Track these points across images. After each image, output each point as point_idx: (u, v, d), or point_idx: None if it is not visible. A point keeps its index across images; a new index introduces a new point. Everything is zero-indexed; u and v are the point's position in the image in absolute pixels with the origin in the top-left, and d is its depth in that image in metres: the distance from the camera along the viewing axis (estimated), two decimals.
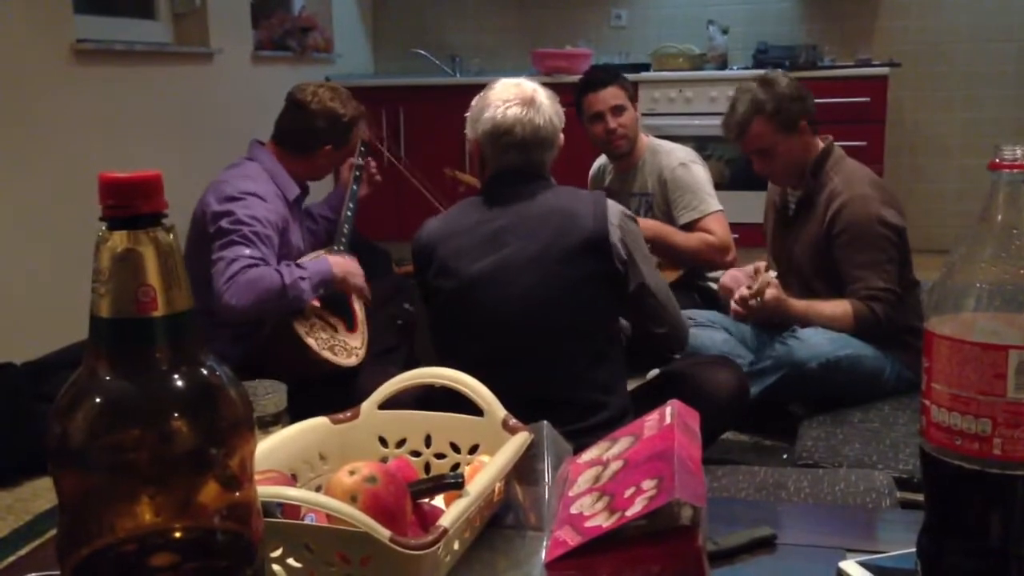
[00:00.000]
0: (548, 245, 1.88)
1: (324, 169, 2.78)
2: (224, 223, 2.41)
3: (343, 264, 2.63)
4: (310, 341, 2.49)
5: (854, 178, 2.49)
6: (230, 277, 2.32)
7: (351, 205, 2.88)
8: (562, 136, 2.03)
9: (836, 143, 2.62)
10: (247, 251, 2.37)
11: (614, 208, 1.93)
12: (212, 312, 2.37)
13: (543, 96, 1.98)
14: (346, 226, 2.83)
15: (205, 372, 0.56)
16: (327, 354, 2.51)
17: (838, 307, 2.42)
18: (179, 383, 0.55)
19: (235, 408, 0.57)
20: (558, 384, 1.86)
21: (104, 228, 0.54)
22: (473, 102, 2.02)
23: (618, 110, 3.05)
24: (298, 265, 2.49)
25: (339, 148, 2.73)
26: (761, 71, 4.84)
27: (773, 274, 2.37)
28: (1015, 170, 0.71)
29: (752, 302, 2.34)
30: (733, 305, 2.43)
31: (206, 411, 0.56)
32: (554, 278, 1.87)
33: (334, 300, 2.67)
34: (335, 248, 2.78)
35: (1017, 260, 0.71)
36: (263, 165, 2.62)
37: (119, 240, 0.54)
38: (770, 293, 2.34)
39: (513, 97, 1.96)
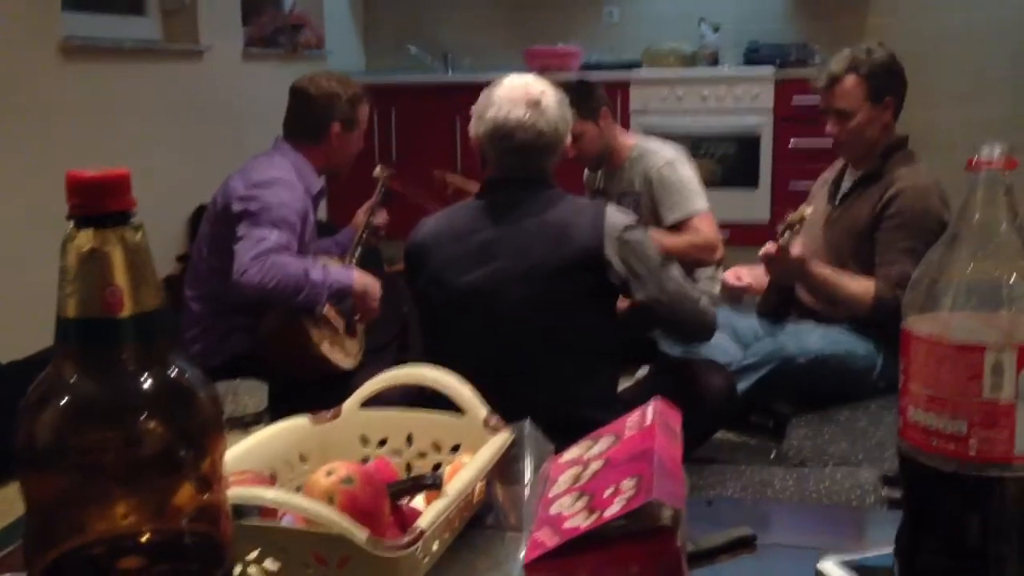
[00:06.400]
0: (541, 260, 1.84)
1: (340, 155, 2.75)
2: (251, 206, 2.44)
3: (365, 282, 2.63)
4: (313, 334, 2.50)
5: (920, 171, 2.47)
6: (258, 255, 2.35)
7: (365, 232, 2.90)
8: (569, 138, 1.98)
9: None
10: (274, 235, 2.39)
11: (614, 220, 1.88)
12: (219, 298, 2.40)
13: (550, 99, 1.91)
14: (358, 248, 2.85)
15: (174, 373, 0.56)
16: (325, 350, 2.52)
17: (860, 285, 2.37)
18: (147, 384, 0.55)
19: (204, 409, 0.57)
20: (549, 400, 1.78)
21: (71, 227, 0.54)
22: (481, 95, 1.97)
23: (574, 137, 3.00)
24: (324, 268, 2.50)
25: (349, 127, 2.72)
26: (752, 67, 4.89)
27: (811, 209, 2.32)
28: (992, 169, 0.71)
29: (781, 240, 2.26)
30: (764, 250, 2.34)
31: (174, 413, 0.55)
32: (546, 294, 1.84)
33: (340, 303, 2.68)
34: (347, 261, 2.79)
35: (994, 259, 0.71)
36: (287, 159, 2.64)
37: (85, 239, 0.53)
38: (795, 251, 2.29)
39: (519, 98, 1.89)
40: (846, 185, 2.60)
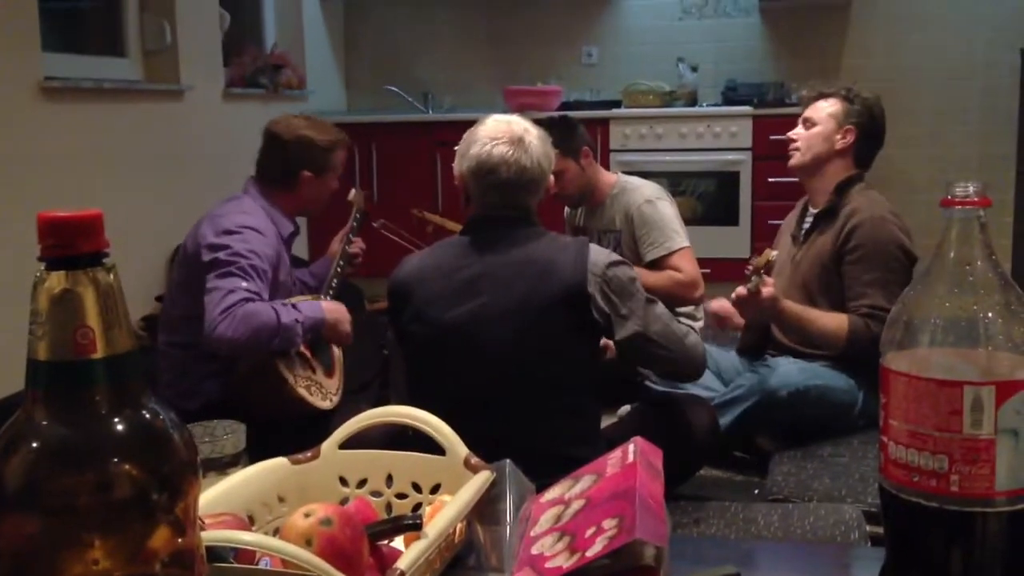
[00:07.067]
0: (525, 297, 1.84)
1: (312, 200, 2.71)
2: (221, 255, 2.39)
3: (335, 310, 2.60)
4: (288, 376, 2.46)
5: (876, 203, 2.52)
6: (227, 308, 2.30)
7: (341, 262, 2.87)
8: (552, 178, 1.99)
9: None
10: (244, 284, 2.35)
11: (598, 256, 1.88)
12: (192, 345, 2.35)
13: (533, 136, 1.93)
14: (335, 280, 2.81)
15: (147, 416, 0.55)
16: (303, 392, 2.48)
17: (833, 320, 2.39)
18: (119, 427, 0.54)
19: (178, 452, 0.56)
20: (533, 437, 1.78)
21: (42, 268, 0.53)
22: (465, 134, 1.98)
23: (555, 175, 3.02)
24: (294, 306, 2.46)
25: (321, 174, 2.66)
26: (730, 108, 4.94)
27: (775, 253, 2.35)
28: (967, 206, 0.72)
29: (749, 285, 2.28)
30: (734, 295, 2.37)
31: (147, 456, 0.54)
32: (529, 331, 1.84)
33: (316, 341, 2.65)
34: (322, 297, 2.76)
35: (971, 295, 0.71)
36: (258, 202, 2.61)
37: (56, 281, 0.52)
38: (767, 292, 2.30)
39: (502, 135, 1.91)
40: (807, 223, 2.65)
